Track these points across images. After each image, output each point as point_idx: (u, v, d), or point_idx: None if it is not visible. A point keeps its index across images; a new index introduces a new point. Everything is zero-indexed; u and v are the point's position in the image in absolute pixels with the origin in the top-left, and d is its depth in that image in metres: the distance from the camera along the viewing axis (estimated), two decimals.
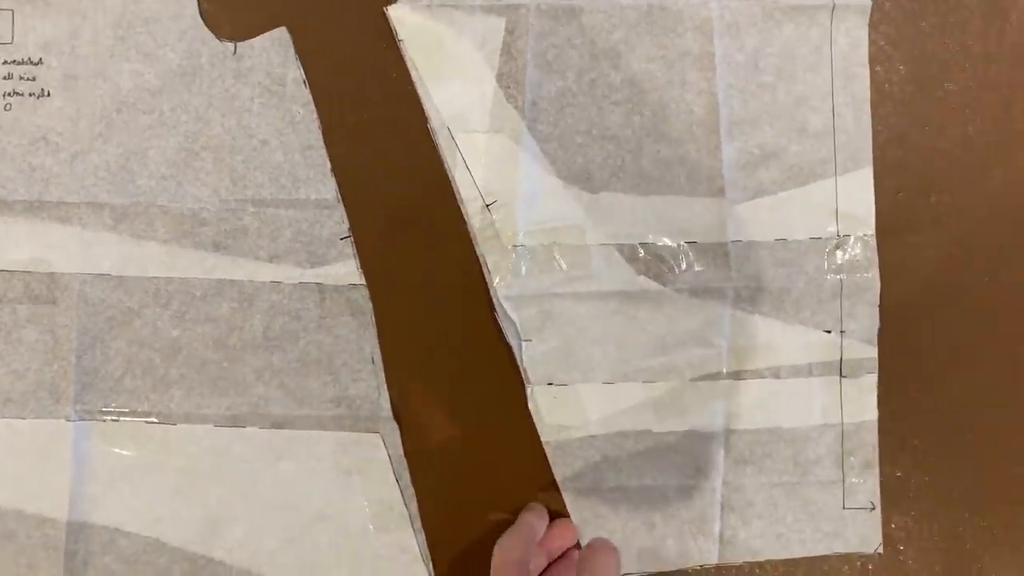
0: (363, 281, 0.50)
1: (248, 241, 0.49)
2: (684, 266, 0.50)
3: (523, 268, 0.50)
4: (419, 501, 0.50)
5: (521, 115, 0.50)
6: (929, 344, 0.52)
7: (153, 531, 0.49)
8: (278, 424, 0.49)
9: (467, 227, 0.50)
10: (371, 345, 0.50)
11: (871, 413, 0.51)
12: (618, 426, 0.50)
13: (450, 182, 0.50)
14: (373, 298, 0.50)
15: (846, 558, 0.51)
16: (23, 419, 0.49)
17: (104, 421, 0.49)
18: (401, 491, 0.49)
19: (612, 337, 0.50)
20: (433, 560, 0.50)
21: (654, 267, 0.50)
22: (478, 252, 0.50)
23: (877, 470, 0.51)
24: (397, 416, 0.50)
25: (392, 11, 0.50)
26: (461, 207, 0.50)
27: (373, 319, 0.50)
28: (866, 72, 0.51)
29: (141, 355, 0.49)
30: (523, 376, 0.50)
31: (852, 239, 0.51)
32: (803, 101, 0.51)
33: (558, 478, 0.50)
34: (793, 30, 0.50)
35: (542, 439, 0.50)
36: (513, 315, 0.50)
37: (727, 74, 0.50)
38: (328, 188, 0.50)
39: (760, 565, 0.51)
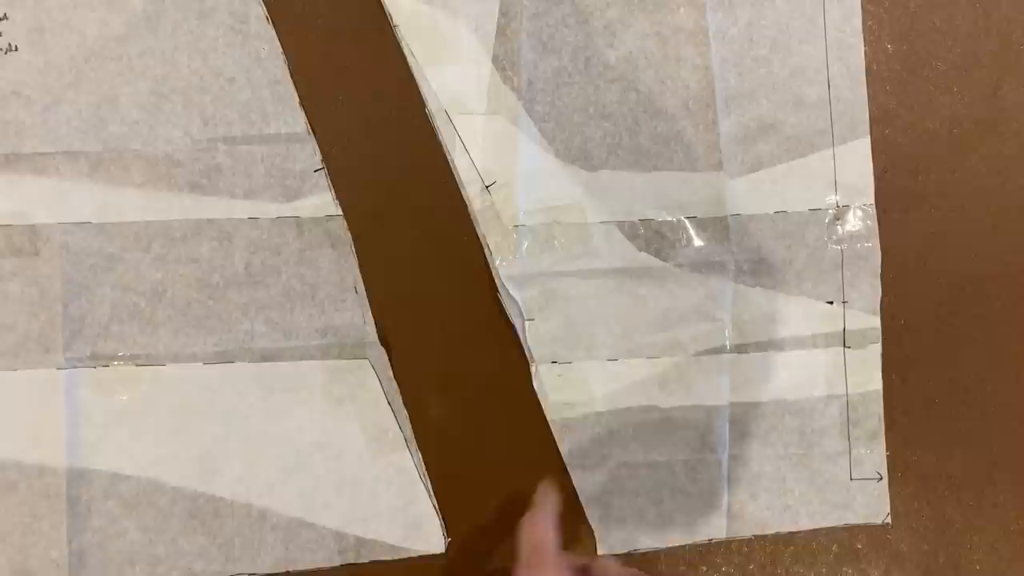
0: (340, 212, 0.50)
1: (223, 179, 0.50)
2: (684, 241, 0.50)
3: (524, 247, 0.50)
4: (412, 422, 0.50)
5: (518, 96, 0.50)
6: (915, 323, 0.52)
7: (152, 472, 0.49)
8: (266, 357, 0.50)
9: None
10: (353, 274, 0.50)
11: (876, 383, 0.51)
12: (623, 402, 0.50)
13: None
14: (351, 227, 0.50)
15: (834, 536, 0.51)
16: (15, 371, 0.49)
17: (94, 367, 0.49)
18: (394, 414, 0.50)
19: (615, 314, 0.50)
20: (431, 478, 0.50)
21: (655, 243, 0.50)
22: (479, 233, 0.50)
23: (883, 440, 0.51)
24: (385, 341, 0.50)
25: None
26: (461, 189, 0.50)
27: (353, 248, 0.50)
28: (860, 42, 0.51)
29: (126, 300, 0.49)
30: (527, 355, 0.50)
31: (852, 209, 0.51)
32: (798, 73, 0.51)
33: (564, 455, 0.50)
34: (786, 2, 0.51)
35: (548, 417, 0.50)
36: (516, 294, 0.50)
37: (721, 48, 0.50)
38: (298, 121, 0.50)
39: (756, 539, 0.50)
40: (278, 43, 0.50)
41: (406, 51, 0.50)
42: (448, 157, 0.50)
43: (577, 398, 0.50)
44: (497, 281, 0.50)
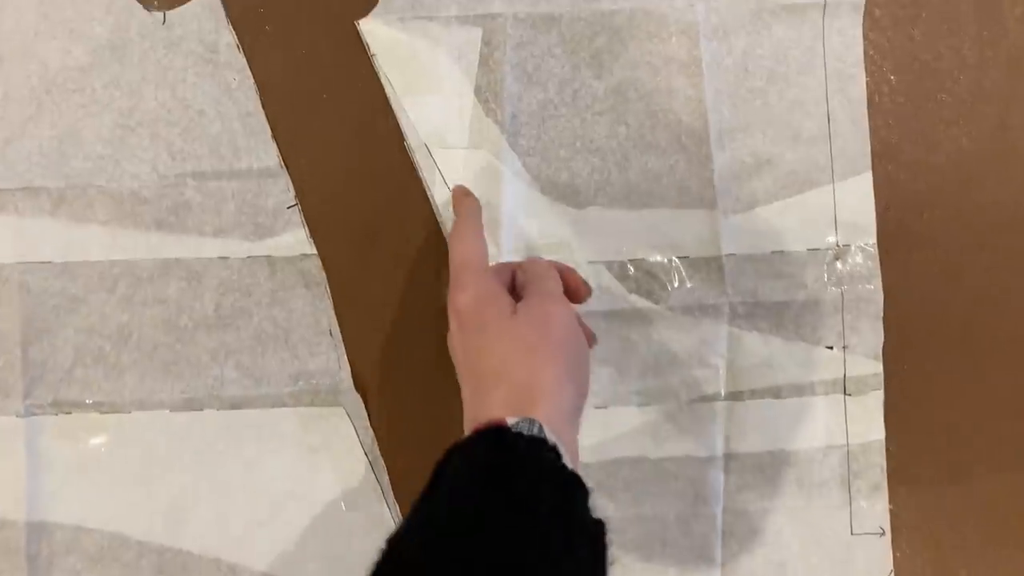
0: (314, 250, 0.48)
1: (192, 217, 0.47)
2: (677, 283, 0.48)
3: None
4: (389, 472, 0.47)
5: (501, 129, 0.48)
6: (918, 368, 0.49)
7: (116, 525, 0.47)
8: (236, 405, 0.47)
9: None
10: (328, 317, 0.48)
11: (878, 432, 0.48)
12: (612, 453, 0.48)
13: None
14: (326, 267, 0.48)
15: None
16: None
17: (56, 415, 0.47)
18: (370, 463, 0.47)
19: (604, 359, 0.48)
20: None
21: (645, 284, 0.48)
22: None
23: (886, 493, 0.48)
24: (361, 387, 0.48)
25: (364, 24, 0.47)
26: (440, 226, 0.48)
27: (328, 289, 0.48)
28: (862, 73, 0.48)
29: (90, 343, 0.47)
30: None
31: (852, 249, 0.48)
32: (796, 105, 0.48)
33: None
34: (784, 31, 0.48)
35: None
36: None
37: (716, 79, 0.48)
38: (270, 155, 0.48)
39: None
40: (250, 73, 0.48)
41: (384, 82, 0.48)
42: (428, 193, 0.48)
43: None
44: None
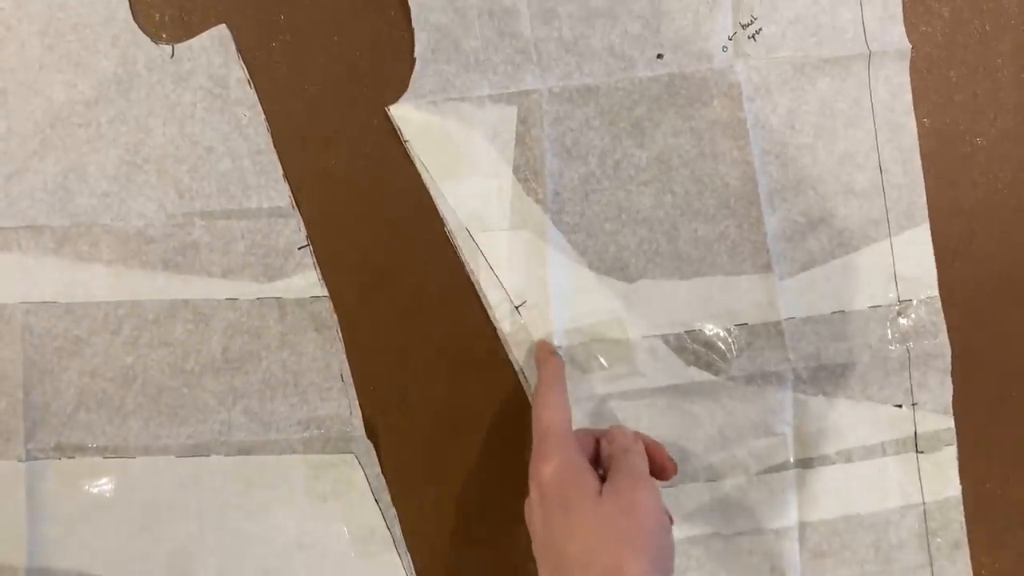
0: (326, 293, 0.46)
1: (199, 257, 0.46)
2: (736, 351, 0.46)
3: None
4: (401, 521, 0.46)
5: (544, 208, 0.46)
6: (988, 419, 0.48)
7: (120, 573, 0.46)
8: (244, 451, 0.46)
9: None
10: (339, 361, 0.46)
11: (954, 488, 0.47)
12: (684, 532, 0.46)
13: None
14: (337, 310, 0.46)
15: None
16: None
17: (59, 459, 0.46)
18: (382, 512, 0.46)
19: (667, 436, 0.46)
20: None
21: (704, 356, 0.46)
22: (511, 359, 0.46)
23: (967, 548, 0.47)
24: (372, 434, 0.46)
25: (395, 110, 0.46)
26: (488, 312, 0.46)
27: (339, 333, 0.46)
28: (912, 121, 0.47)
29: (94, 386, 0.46)
30: None
31: (915, 303, 0.47)
32: (847, 159, 0.47)
33: None
34: (828, 84, 0.46)
35: None
36: None
37: (761, 139, 0.46)
38: (281, 195, 0.46)
39: None
40: (260, 109, 0.46)
41: (419, 167, 0.46)
42: (472, 277, 0.46)
43: None
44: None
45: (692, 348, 0.46)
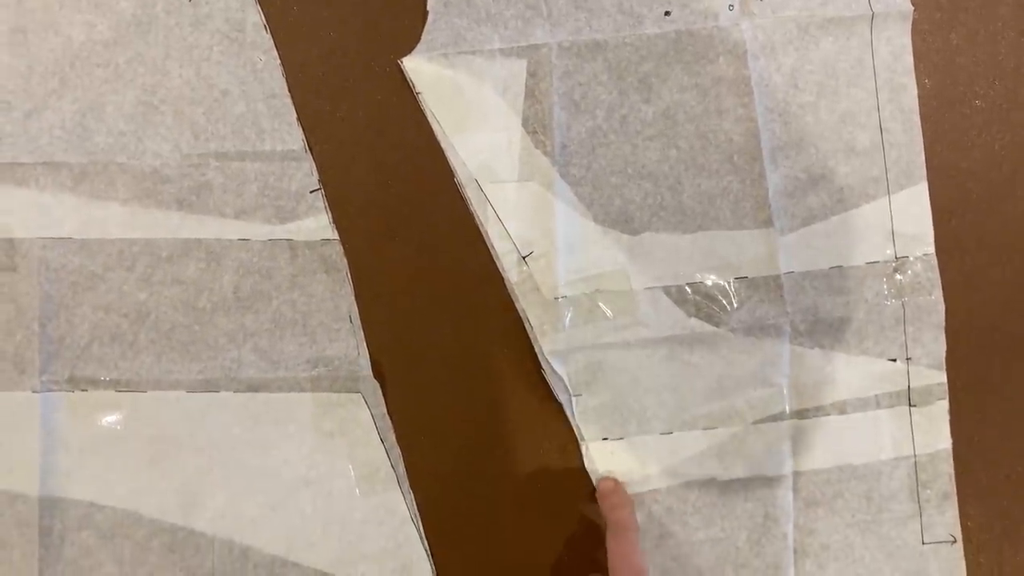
0: (336, 236, 0.47)
1: (213, 197, 0.47)
2: (736, 304, 0.47)
3: (567, 320, 0.47)
4: (405, 460, 0.47)
5: (552, 160, 0.47)
6: (979, 369, 0.49)
7: (130, 503, 0.47)
8: (253, 388, 0.47)
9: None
10: (347, 303, 0.47)
11: (945, 441, 0.48)
12: (681, 477, 0.48)
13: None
14: (347, 253, 0.47)
15: None
16: None
17: (72, 391, 0.47)
18: (387, 451, 0.47)
19: (667, 385, 0.48)
20: (423, 521, 0.47)
21: (705, 308, 0.48)
22: (518, 307, 0.47)
23: (955, 501, 0.48)
24: (379, 375, 0.47)
25: (408, 62, 0.47)
26: (496, 261, 0.48)
27: (348, 275, 0.47)
28: (912, 81, 0.48)
29: (108, 321, 0.47)
30: (576, 433, 0.48)
31: (911, 260, 0.48)
32: (848, 118, 0.48)
33: None
34: (832, 44, 0.47)
35: None
36: (560, 370, 0.47)
37: (765, 97, 0.47)
38: (295, 138, 0.47)
39: None
40: (276, 54, 0.47)
41: (430, 119, 0.47)
42: (480, 228, 0.47)
43: (632, 476, 0.48)
44: (540, 357, 0.47)
45: (693, 300, 0.48)
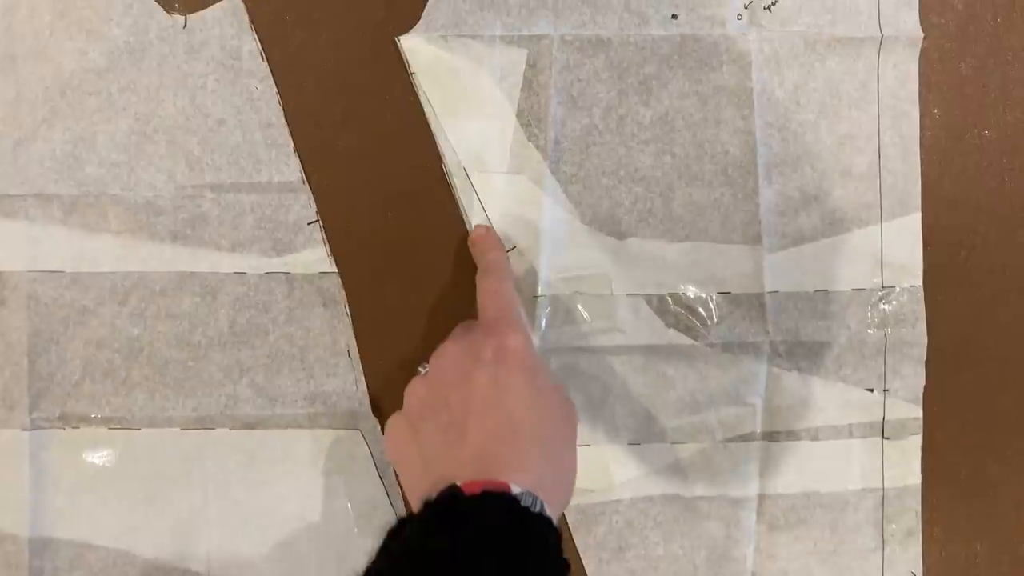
0: (334, 268, 0.46)
1: (208, 230, 0.46)
2: (717, 319, 0.47)
3: (544, 320, 0.46)
4: (406, 500, 0.46)
5: (543, 155, 0.46)
6: (956, 413, 0.48)
7: (123, 543, 0.46)
8: (250, 425, 0.46)
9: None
10: (346, 337, 0.46)
11: (914, 477, 0.47)
12: (645, 490, 0.47)
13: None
14: (346, 286, 0.46)
15: None
16: None
17: (63, 429, 0.46)
18: (386, 489, 0.46)
19: (639, 394, 0.47)
20: None
21: (685, 320, 0.47)
22: None
23: (920, 538, 0.48)
24: (378, 411, 0.46)
25: (405, 41, 0.46)
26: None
27: (347, 309, 0.46)
28: (915, 110, 0.47)
29: (99, 356, 0.46)
30: None
31: (897, 290, 0.47)
32: (847, 141, 0.47)
33: (579, 545, 0.47)
34: (838, 64, 0.47)
35: None
36: None
37: (766, 111, 0.46)
38: (292, 169, 0.46)
39: None
40: (273, 82, 0.46)
41: (423, 101, 0.46)
42: (464, 218, 0.46)
43: (596, 484, 0.47)
44: None
45: (674, 311, 0.47)
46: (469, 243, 0.45)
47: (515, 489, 0.33)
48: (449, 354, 0.38)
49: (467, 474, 0.33)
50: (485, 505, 0.32)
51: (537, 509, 0.32)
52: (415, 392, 0.38)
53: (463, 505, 0.32)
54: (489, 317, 0.40)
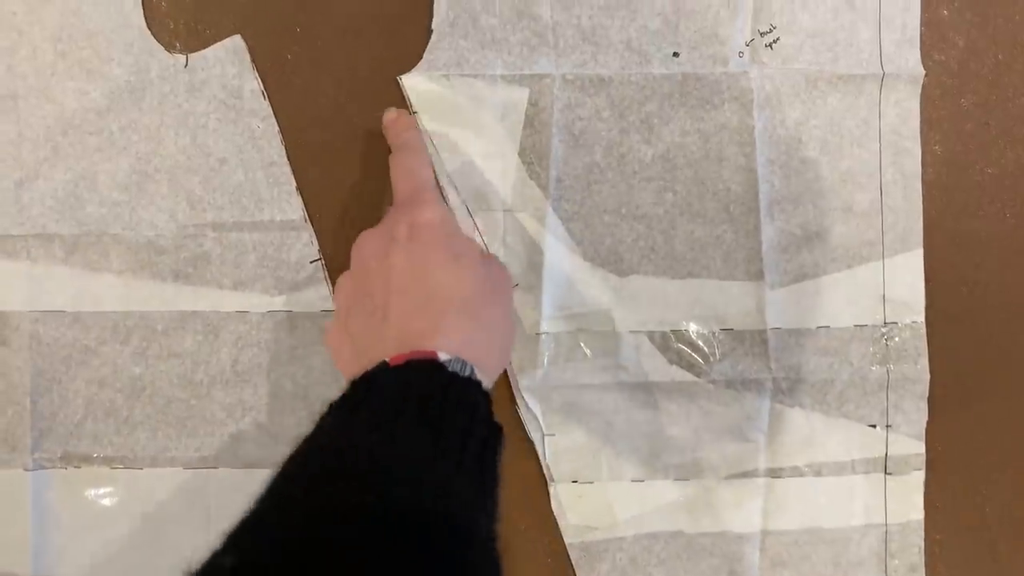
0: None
1: (210, 269, 0.46)
2: (719, 355, 0.47)
3: (546, 358, 0.46)
4: None
5: (545, 193, 0.46)
6: (958, 448, 0.48)
7: None
8: (252, 464, 0.46)
9: None
10: None
11: (917, 513, 0.47)
12: (648, 527, 0.47)
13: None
14: None
15: None
16: None
17: (65, 469, 0.46)
18: None
19: (642, 431, 0.47)
20: None
21: (687, 356, 0.47)
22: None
23: (923, 573, 0.47)
24: None
25: (407, 80, 0.46)
26: None
27: None
28: (917, 147, 0.47)
29: (101, 396, 0.46)
30: (545, 474, 0.47)
31: (900, 326, 0.47)
32: (849, 178, 0.47)
33: None
34: (839, 101, 0.47)
35: (566, 541, 0.47)
36: (535, 408, 0.46)
37: (767, 148, 0.46)
38: (294, 208, 0.46)
39: None
40: (274, 121, 0.46)
41: (425, 140, 0.46)
42: None
43: (598, 521, 0.47)
44: (515, 393, 0.46)
45: (676, 347, 0.47)
46: (383, 127, 0.44)
47: (442, 356, 0.33)
48: (366, 242, 0.38)
49: (392, 350, 0.33)
50: (408, 374, 0.32)
51: (466, 373, 0.33)
52: (342, 288, 0.39)
53: (385, 377, 0.32)
54: (403, 196, 0.39)
